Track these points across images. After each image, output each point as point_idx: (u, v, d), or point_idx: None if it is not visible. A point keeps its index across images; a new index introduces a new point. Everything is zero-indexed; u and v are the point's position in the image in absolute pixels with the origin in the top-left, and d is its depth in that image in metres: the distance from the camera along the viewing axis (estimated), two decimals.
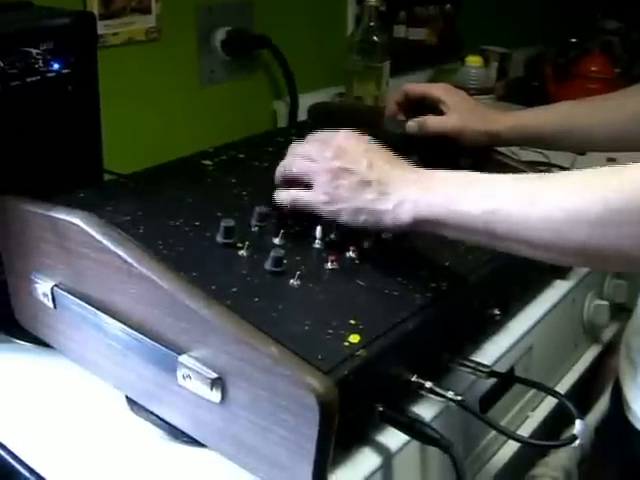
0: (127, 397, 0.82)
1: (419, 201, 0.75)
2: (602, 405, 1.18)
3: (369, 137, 0.85)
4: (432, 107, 1.10)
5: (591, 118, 1.06)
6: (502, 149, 1.14)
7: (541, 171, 1.16)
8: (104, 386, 0.83)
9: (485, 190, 0.72)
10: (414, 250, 0.87)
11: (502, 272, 0.90)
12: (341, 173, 0.80)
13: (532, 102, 1.48)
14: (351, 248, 0.83)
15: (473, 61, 1.79)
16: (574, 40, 2.15)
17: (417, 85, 1.15)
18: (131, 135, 1.31)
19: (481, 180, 0.74)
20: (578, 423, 0.76)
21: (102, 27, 1.22)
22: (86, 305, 0.78)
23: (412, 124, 1.10)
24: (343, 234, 0.85)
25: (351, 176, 0.79)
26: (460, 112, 1.08)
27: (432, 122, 1.09)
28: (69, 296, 0.80)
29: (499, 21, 2.17)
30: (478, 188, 0.72)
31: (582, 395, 1.20)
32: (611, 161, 1.48)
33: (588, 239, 0.64)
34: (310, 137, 0.88)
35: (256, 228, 0.84)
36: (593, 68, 1.96)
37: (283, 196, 0.86)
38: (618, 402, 0.95)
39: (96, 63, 0.95)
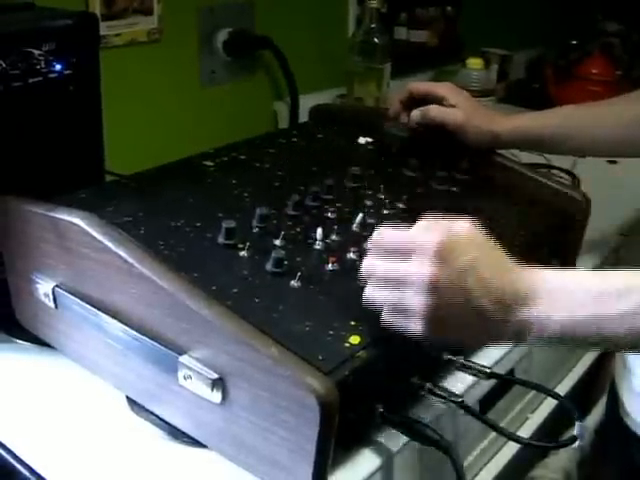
0: (127, 397, 0.82)
1: (544, 324, 0.65)
2: (602, 406, 1.18)
3: (453, 230, 0.68)
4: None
5: (592, 122, 1.06)
6: (503, 151, 1.14)
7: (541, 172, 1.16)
8: (104, 386, 0.83)
9: (625, 301, 0.63)
10: None
11: None
12: (440, 309, 0.66)
13: (533, 104, 1.49)
14: (352, 249, 0.83)
15: (474, 63, 1.80)
16: (574, 42, 2.16)
17: (421, 83, 1.17)
18: (132, 136, 1.31)
19: (608, 289, 0.65)
20: (578, 424, 0.77)
21: (104, 28, 1.23)
22: (87, 305, 0.78)
23: (416, 112, 1.12)
24: (344, 235, 0.85)
25: (454, 314, 0.66)
26: (463, 109, 1.09)
27: (435, 110, 1.10)
28: (70, 296, 0.80)
29: (500, 23, 2.17)
30: (617, 300, 0.64)
31: (582, 396, 1.20)
32: (612, 164, 1.49)
33: None
34: (381, 242, 0.71)
35: (257, 229, 0.84)
36: (594, 70, 1.97)
37: (382, 320, 0.70)
38: (615, 404, 0.95)
39: (98, 64, 0.95)
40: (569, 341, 0.66)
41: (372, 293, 0.70)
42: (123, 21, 1.27)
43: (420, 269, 0.65)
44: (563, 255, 1.05)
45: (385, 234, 0.70)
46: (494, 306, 0.65)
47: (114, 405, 0.82)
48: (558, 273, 0.67)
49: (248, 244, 0.80)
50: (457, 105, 1.09)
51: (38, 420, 0.80)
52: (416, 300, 0.66)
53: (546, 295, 0.65)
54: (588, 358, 1.25)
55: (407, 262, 0.67)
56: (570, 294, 0.65)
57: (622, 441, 0.95)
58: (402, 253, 0.68)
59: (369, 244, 0.72)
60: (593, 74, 1.96)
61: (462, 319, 0.66)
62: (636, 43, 2.30)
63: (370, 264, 0.71)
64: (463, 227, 0.68)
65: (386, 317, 0.70)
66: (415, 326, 0.67)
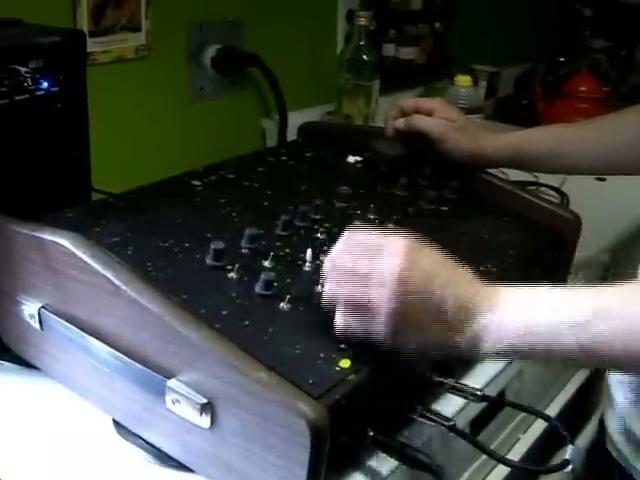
0: (114, 420, 0.81)
1: (503, 331, 0.65)
2: (593, 426, 1.18)
3: (416, 241, 0.69)
4: None
5: (581, 141, 1.07)
6: (492, 170, 1.14)
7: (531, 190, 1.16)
8: (91, 409, 0.82)
9: (577, 311, 0.64)
10: None
11: None
12: (404, 306, 0.66)
13: (521, 120, 1.49)
14: None
15: (462, 80, 1.79)
16: (563, 59, 2.17)
17: (412, 99, 1.17)
18: (120, 153, 1.30)
19: (569, 300, 0.65)
20: (570, 448, 0.76)
21: (92, 44, 1.22)
22: (73, 327, 0.77)
23: (400, 120, 1.13)
24: None
25: (416, 312, 0.66)
26: (450, 124, 1.09)
27: (417, 119, 1.11)
28: (56, 318, 0.79)
29: (488, 39, 2.18)
30: (569, 310, 0.64)
31: (574, 415, 1.19)
32: (600, 181, 1.49)
33: None
34: (348, 243, 0.71)
35: (246, 250, 0.84)
36: (582, 87, 1.97)
37: (337, 322, 0.70)
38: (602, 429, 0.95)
39: (85, 81, 0.95)
40: (525, 355, 0.67)
41: (334, 288, 0.70)
42: (111, 38, 1.27)
43: (392, 262, 0.66)
44: (554, 274, 1.04)
45: (355, 234, 0.71)
46: (456, 310, 0.66)
47: (101, 428, 0.81)
48: (515, 288, 0.68)
49: (237, 265, 0.79)
50: (445, 117, 1.10)
51: (23, 443, 0.79)
52: (383, 293, 0.66)
53: (507, 304, 0.66)
54: (580, 377, 1.24)
55: (377, 258, 0.67)
56: (527, 306, 0.66)
57: (612, 460, 0.95)
58: (371, 250, 0.68)
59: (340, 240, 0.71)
60: (581, 91, 1.97)
61: (423, 318, 0.66)
62: (623, 60, 2.32)
63: (337, 256, 0.70)
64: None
65: (344, 318, 0.69)
66: (376, 325, 0.67)
